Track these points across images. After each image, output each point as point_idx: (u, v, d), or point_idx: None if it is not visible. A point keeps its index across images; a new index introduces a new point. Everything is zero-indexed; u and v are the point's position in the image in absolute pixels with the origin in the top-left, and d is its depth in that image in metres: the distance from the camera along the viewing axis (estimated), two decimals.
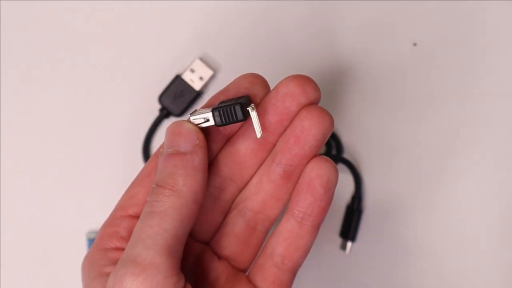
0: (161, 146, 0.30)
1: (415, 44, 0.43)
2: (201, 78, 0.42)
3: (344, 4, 0.43)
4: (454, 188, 0.43)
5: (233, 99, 0.30)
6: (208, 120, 0.29)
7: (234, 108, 0.29)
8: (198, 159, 0.28)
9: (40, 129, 0.43)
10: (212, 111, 0.29)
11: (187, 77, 0.43)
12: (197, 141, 0.28)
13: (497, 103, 0.43)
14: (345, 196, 0.43)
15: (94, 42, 0.43)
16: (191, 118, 0.29)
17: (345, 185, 0.43)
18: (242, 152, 0.31)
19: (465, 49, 0.43)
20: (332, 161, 0.30)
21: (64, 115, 0.43)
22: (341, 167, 0.42)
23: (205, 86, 0.43)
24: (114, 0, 0.43)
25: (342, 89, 0.43)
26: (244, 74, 0.30)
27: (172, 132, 0.29)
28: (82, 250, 0.42)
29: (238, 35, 0.43)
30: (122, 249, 0.29)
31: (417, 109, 0.43)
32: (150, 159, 0.31)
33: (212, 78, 0.43)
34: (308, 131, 0.30)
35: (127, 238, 0.30)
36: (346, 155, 0.43)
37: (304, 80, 0.30)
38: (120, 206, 0.31)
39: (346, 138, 0.43)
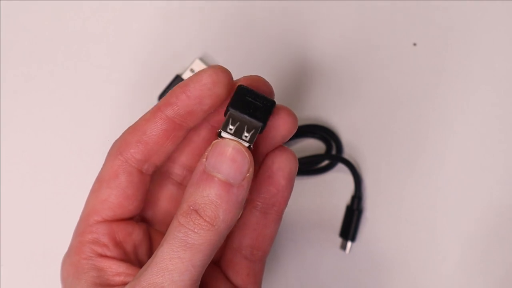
0: (115, 149, 0.29)
1: (415, 44, 0.43)
2: None
3: (345, 4, 0.43)
4: (455, 188, 0.43)
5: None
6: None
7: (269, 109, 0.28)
8: (242, 195, 0.27)
9: (40, 129, 0.43)
10: (263, 124, 0.28)
11: (187, 77, 0.42)
12: (248, 174, 0.27)
13: (496, 104, 0.43)
14: (345, 196, 0.43)
15: (94, 42, 0.43)
16: (245, 142, 0.27)
17: (345, 185, 0.43)
18: (197, 143, 0.31)
19: (465, 49, 0.43)
20: (290, 150, 0.30)
21: (64, 115, 0.43)
22: (341, 167, 0.42)
23: None
24: (114, 0, 0.43)
25: (342, 88, 0.43)
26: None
27: (225, 156, 0.27)
28: None
29: (238, 35, 0.43)
30: (110, 257, 0.29)
31: (417, 109, 0.43)
32: (111, 157, 0.30)
33: None
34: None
35: (110, 245, 0.29)
36: (346, 155, 0.43)
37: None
38: (92, 211, 0.30)
39: (346, 138, 0.43)
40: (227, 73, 0.29)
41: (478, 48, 0.43)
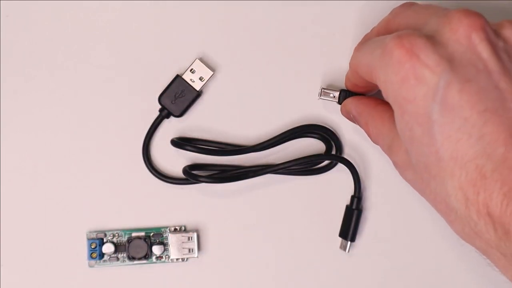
0: None
1: None
2: (201, 78, 0.42)
3: (345, 4, 0.43)
4: None
5: None
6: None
7: None
8: None
9: (40, 129, 0.43)
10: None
11: (187, 77, 0.43)
12: None
13: None
14: (345, 196, 0.43)
15: (94, 42, 0.43)
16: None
17: (345, 185, 0.43)
18: None
19: None
20: None
21: (64, 115, 0.43)
22: (341, 167, 0.42)
23: (205, 86, 0.43)
24: (114, 0, 0.43)
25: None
26: None
27: None
28: (82, 250, 0.42)
29: (238, 35, 0.43)
30: None
31: None
32: None
33: (212, 78, 0.43)
34: None
35: None
36: (346, 155, 0.43)
37: None
38: None
39: (347, 138, 0.43)
40: None
41: None
